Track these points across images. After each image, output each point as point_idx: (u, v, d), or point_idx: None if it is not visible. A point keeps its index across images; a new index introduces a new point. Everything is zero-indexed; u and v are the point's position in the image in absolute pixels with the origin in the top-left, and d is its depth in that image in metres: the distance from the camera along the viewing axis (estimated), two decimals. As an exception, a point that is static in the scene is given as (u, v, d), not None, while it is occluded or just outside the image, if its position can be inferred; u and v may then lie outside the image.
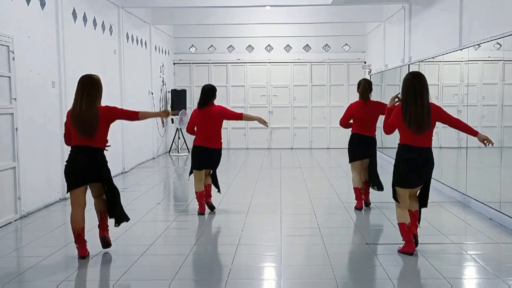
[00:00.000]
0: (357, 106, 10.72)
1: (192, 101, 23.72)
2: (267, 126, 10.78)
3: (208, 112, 10.37)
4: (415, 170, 7.70)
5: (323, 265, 7.37)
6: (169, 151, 22.69)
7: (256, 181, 14.64)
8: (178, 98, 22.01)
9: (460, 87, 11.99)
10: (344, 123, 10.83)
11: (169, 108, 7.98)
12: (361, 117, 10.62)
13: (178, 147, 22.27)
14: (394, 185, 7.85)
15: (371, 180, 10.72)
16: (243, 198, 12.12)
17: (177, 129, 22.17)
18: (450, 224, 9.86)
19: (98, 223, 8.15)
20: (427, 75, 14.40)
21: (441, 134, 13.50)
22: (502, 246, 8.26)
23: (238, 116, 10.60)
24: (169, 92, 22.41)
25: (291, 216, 10.45)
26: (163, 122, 21.75)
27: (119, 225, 8.08)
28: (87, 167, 7.70)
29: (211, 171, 10.80)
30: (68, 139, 7.88)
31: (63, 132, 8.00)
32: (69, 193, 7.90)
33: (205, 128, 10.36)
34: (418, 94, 7.55)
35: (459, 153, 12.04)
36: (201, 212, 10.54)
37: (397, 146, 7.92)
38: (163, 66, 22.00)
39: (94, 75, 7.85)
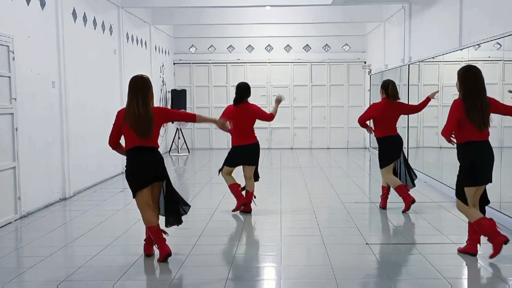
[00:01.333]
0: (384, 106, 10.59)
1: (192, 101, 23.76)
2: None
3: (245, 109, 10.38)
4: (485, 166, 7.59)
5: (323, 265, 7.37)
6: (169, 151, 22.71)
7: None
8: (178, 98, 22.02)
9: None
10: (364, 121, 10.66)
11: (227, 124, 7.65)
12: (390, 117, 10.53)
13: (178, 147, 22.28)
14: (464, 185, 7.64)
15: (406, 178, 10.70)
16: (243, 198, 12.13)
17: (177, 129, 22.19)
18: (450, 224, 9.85)
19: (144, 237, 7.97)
20: (427, 75, 14.48)
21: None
22: (503, 247, 8.24)
23: (270, 117, 10.63)
24: (169, 92, 22.43)
25: (291, 216, 10.45)
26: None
27: (171, 225, 7.83)
28: (150, 166, 7.60)
29: (255, 171, 10.74)
30: (114, 140, 7.80)
31: (110, 133, 7.82)
32: (134, 198, 7.66)
33: (242, 124, 10.33)
34: (481, 89, 7.47)
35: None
36: (241, 205, 10.58)
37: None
38: (163, 66, 22.01)
39: (144, 75, 7.77)
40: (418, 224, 9.87)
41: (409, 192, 10.46)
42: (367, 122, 10.71)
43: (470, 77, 7.50)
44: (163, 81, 21.72)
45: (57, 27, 12.09)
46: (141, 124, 7.40)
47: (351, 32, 23.71)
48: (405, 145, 15.92)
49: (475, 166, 7.49)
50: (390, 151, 10.62)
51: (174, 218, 7.77)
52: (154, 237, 7.55)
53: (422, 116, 14.60)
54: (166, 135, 22.43)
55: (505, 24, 9.63)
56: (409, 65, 15.86)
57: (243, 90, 10.45)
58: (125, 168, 7.72)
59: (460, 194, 7.62)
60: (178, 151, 22.24)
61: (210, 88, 23.76)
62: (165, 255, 7.50)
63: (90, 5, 14.11)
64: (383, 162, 10.67)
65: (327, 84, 23.88)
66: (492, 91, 10.59)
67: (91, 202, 11.86)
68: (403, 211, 10.43)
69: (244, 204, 10.60)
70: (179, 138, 22.28)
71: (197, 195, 12.69)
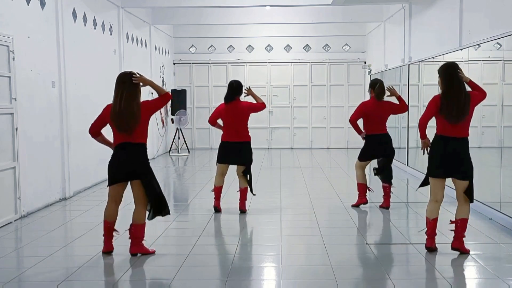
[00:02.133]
0: (371, 104, 10.70)
1: (192, 101, 23.77)
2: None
3: (236, 107, 10.48)
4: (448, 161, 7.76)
5: (323, 265, 7.38)
6: (169, 151, 22.72)
7: (256, 181, 14.62)
8: (178, 98, 22.01)
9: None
10: (355, 121, 10.76)
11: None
12: (377, 116, 10.63)
13: (178, 147, 22.29)
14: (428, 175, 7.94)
15: (385, 174, 10.89)
16: (243, 198, 12.14)
17: (177, 129, 22.19)
18: (450, 224, 9.85)
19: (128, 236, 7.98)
20: (427, 75, 14.48)
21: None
22: (502, 246, 8.27)
23: (262, 105, 10.79)
24: (169, 92, 22.39)
25: (291, 216, 10.46)
26: (163, 122, 21.77)
27: (153, 218, 7.94)
28: (127, 164, 7.73)
29: (244, 170, 10.74)
30: (94, 128, 7.94)
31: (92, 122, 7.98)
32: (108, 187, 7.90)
33: (233, 122, 10.47)
34: (461, 85, 7.67)
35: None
36: (215, 207, 10.69)
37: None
38: (163, 66, 22.02)
39: (132, 71, 7.99)
40: (418, 224, 9.87)
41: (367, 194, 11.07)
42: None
43: (450, 74, 7.71)
44: (163, 81, 21.72)
45: (57, 27, 12.09)
46: (122, 120, 7.57)
47: (351, 32, 23.73)
48: (405, 145, 15.96)
49: (439, 159, 7.75)
50: (373, 148, 10.87)
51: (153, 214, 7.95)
52: (105, 231, 7.85)
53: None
54: (166, 135, 22.45)
55: (505, 24, 9.64)
56: (409, 65, 15.87)
57: (234, 88, 10.56)
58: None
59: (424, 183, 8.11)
60: (178, 151, 22.24)
61: (210, 88, 23.75)
62: (104, 252, 7.86)
63: (90, 5, 14.12)
64: (363, 156, 11.00)
65: (327, 84, 23.89)
66: (492, 91, 10.64)
67: (91, 202, 11.86)
68: (353, 205, 11.06)
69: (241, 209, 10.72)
70: (179, 138, 22.28)
71: (197, 195, 12.69)
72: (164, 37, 22.56)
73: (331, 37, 23.89)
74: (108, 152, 7.95)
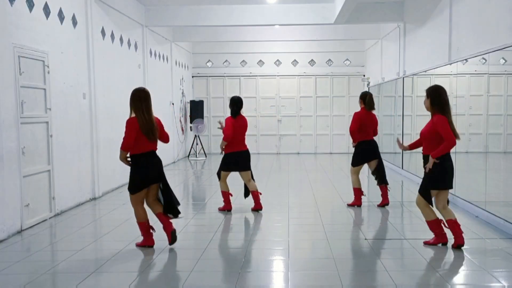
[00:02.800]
0: (364, 114, 10.85)
1: (209, 111, 23.81)
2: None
3: (242, 120, 10.59)
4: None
5: (327, 258, 7.38)
6: (188, 156, 22.75)
7: (267, 183, 14.65)
8: (196, 108, 22.12)
9: (449, 98, 11.97)
10: (355, 130, 10.80)
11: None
12: (368, 125, 10.76)
13: (196, 152, 22.32)
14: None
15: (379, 177, 11.01)
16: (254, 198, 12.15)
17: (195, 136, 22.23)
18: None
19: (162, 225, 8.11)
20: (420, 87, 14.46)
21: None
22: (487, 241, 8.26)
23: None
24: (188, 102, 22.49)
25: (297, 214, 10.46)
26: (182, 130, 21.81)
27: (176, 216, 8.10)
28: (158, 168, 7.96)
29: (251, 174, 10.95)
30: (131, 144, 7.71)
31: (127, 139, 7.70)
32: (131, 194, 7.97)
33: (240, 134, 10.54)
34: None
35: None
36: (228, 210, 10.85)
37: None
38: (182, 79, 22.05)
39: (145, 88, 8.00)
40: (412, 222, 9.86)
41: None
42: None
43: (443, 94, 7.80)
44: (182, 93, 21.76)
45: (88, 43, 12.16)
46: (151, 130, 7.70)
47: (351, 48, 23.71)
48: (399, 150, 15.94)
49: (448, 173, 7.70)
50: (364, 153, 10.97)
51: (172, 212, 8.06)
52: (143, 231, 8.04)
53: (416, 124, 14.60)
54: (186, 141, 22.48)
55: (490, 41, 9.63)
56: (403, 78, 15.85)
57: (239, 103, 10.62)
58: (135, 170, 7.88)
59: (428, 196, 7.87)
60: (196, 155, 22.27)
61: (225, 99, 23.75)
62: (150, 245, 8.06)
63: (117, 24, 14.18)
64: (356, 162, 11.08)
65: (330, 95, 23.86)
66: (478, 102, 10.65)
67: (118, 201, 11.89)
68: (348, 204, 11.15)
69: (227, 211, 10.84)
70: (197, 144, 22.31)
71: (213, 195, 12.69)
72: (184, 52, 22.60)
73: (333, 52, 23.88)
74: (128, 159, 7.96)
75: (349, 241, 8.44)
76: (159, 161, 8.01)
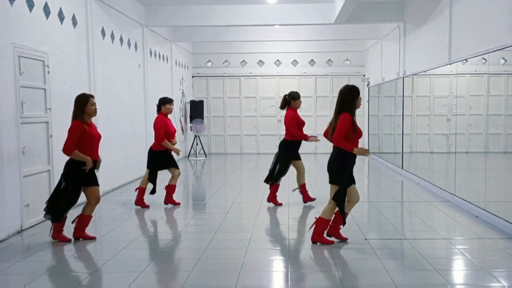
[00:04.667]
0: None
1: (209, 111, 23.82)
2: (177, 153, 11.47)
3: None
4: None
5: (326, 258, 7.39)
6: (188, 156, 22.75)
7: (266, 182, 14.67)
8: (196, 108, 22.12)
9: (449, 98, 11.99)
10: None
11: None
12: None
13: (196, 152, 22.33)
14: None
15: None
16: (255, 198, 12.14)
17: (195, 136, 22.24)
18: (440, 221, 9.84)
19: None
20: (420, 87, 14.48)
21: (433, 140, 13.50)
22: (487, 241, 8.25)
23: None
24: (188, 102, 22.50)
25: (297, 214, 10.48)
26: (182, 130, 21.82)
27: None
28: None
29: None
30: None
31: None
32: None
33: None
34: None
35: (448, 158, 12.03)
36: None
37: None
38: (182, 79, 22.07)
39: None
40: (411, 221, 9.87)
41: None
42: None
43: (354, 94, 8.14)
44: (182, 93, 21.77)
45: (88, 44, 12.16)
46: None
47: (351, 48, 23.73)
48: (399, 150, 15.95)
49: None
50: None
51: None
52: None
53: (415, 124, 14.61)
54: (186, 141, 22.49)
55: (489, 42, 9.64)
56: (403, 78, 15.85)
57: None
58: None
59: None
60: (196, 155, 22.28)
61: (225, 99, 23.77)
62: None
63: (117, 24, 14.18)
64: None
65: (330, 95, 23.84)
66: (478, 102, 10.65)
67: (119, 201, 11.90)
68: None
69: None
70: (197, 144, 22.32)
71: (213, 195, 12.70)
72: (184, 53, 22.61)
73: (333, 52, 23.90)
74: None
75: (349, 241, 8.43)
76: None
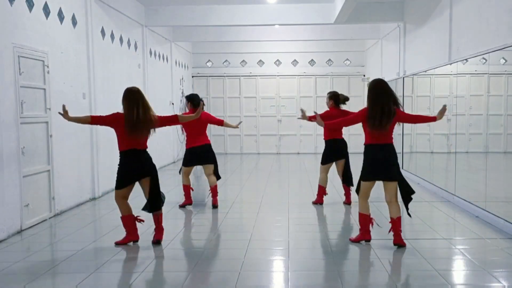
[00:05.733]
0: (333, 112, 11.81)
1: (209, 111, 23.78)
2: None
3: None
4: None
5: (326, 258, 7.40)
6: (188, 156, 22.71)
7: (266, 182, 14.66)
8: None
9: (449, 98, 11.98)
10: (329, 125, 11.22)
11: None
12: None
13: (196, 152, 22.29)
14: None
15: (346, 179, 11.34)
16: (255, 198, 12.15)
17: (195, 136, 22.22)
18: (440, 221, 9.85)
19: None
20: (420, 87, 14.48)
21: (433, 140, 13.51)
22: (487, 241, 8.26)
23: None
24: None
25: (297, 214, 10.46)
26: (182, 130, 21.80)
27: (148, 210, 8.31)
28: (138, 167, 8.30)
29: (214, 169, 11.90)
30: (96, 121, 8.41)
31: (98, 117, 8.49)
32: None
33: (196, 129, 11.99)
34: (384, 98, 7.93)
35: (448, 157, 12.03)
36: (186, 204, 11.46)
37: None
38: (182, 79, 22.06)
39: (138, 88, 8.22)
40: (411, 221, 9.87)
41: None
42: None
43: (377, 88, 7.97)
44: (182, 93, 21.75)
45: (88, 43, 12.16)
46: (137, 128, 7.98)
47: (351, 48, 23.72)
48: (399, 150, 15.95)
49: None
50: (333, 151, 11.39)
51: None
52: (128, 225, 8.23)
53: (415, 125, 14.61)
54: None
55: (490, 41, 9.64)
56: (403, 78, 15.86)
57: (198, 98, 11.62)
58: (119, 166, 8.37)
59: (357, 186, 8.25)
60: (196, 155, 22.23)
61: (225, 99, 23.77)
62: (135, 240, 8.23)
63: (117, 24, 14.19)
64: (325, 160, 11.40)
65: (330, 95, 23.86)
66: (479, 102, 10.65)
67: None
68: (313, 202, 11.43)
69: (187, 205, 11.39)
70: (197, 143, 22.29)
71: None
72: (184, 52, 22.61)
73: (333, 52, 23.89)
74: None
75: (348, 241, 8.43)
76: (143, 159, 8.22)
